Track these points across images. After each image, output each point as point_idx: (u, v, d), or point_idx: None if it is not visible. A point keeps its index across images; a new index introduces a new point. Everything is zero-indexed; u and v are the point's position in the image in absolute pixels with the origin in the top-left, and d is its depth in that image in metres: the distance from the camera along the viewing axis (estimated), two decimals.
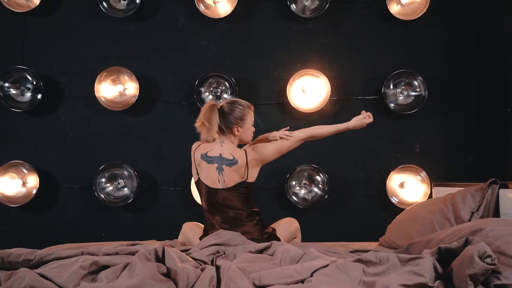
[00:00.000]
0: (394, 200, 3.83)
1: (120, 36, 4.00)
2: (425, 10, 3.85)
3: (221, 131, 2.80)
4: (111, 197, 3.87)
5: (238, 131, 2.79)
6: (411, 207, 2.84)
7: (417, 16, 3.88)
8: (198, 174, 2.82)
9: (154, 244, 2.82)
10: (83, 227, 3.95)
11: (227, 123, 2.77)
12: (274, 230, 2.82)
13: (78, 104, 3.99)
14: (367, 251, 2.40)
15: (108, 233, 3.96)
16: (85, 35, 3.98)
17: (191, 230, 2.98)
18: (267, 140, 2.90)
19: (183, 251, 2.33)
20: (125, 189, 3.89)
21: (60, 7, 3.98)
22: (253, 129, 2.89)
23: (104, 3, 3.89)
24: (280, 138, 2.87)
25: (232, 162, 2.71)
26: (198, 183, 2.84)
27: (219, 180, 2.72)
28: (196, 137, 3.98)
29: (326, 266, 1.76)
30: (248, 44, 4.05)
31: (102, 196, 3.84)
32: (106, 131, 3.98)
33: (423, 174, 3.79)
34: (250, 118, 2.83)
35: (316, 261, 1.80)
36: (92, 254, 1.85)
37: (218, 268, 1.86)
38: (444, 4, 4.03)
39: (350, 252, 2.36)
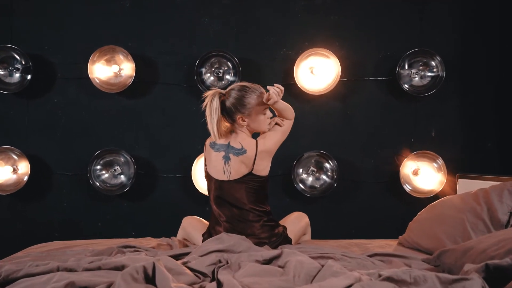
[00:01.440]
0: (407, 188, 3.46)
1: (115, 12, 3.58)
2: None
3: (228, 122, 2.45)
4: (107, 185, 3.50)
5: (244, 121, 2.39)
6: (436, 203, 2.46)
7: None
8: (206, 165, 2.47)
9: (150, 242, 2.47)
10: (79, 216, 3.59)
11: (229, 113, 2.39)
12: (285, 229, 2.46)
13: (71, 86, 3.59)
14: (388, 254, 2.04)
15: (105, 223, 3.61)
16: (77, 12, 3.56)
17: (191, 225, 2.62)
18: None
19: (180, 255, 1.98)
20: (122, 176, 3.52)
21: None
22: (268, 115, 2.46)
23: None
24: (276, 123, 2.49)
25: (239, 152, 2.33)
26: (207, 176, 2.49)
27: (224, 171, 2.36)
28: (197, 120, 3.62)
29: (350, 286, 1.40)
30: (252, 22, 3.63)
31: (98, 184, 3.47)
32: (101, 114, 3.60)
33: (440, 161, 3.40)
34: (259, 106, 2.39)
35: (336, 280, 1.44)
36: (70, 270, 1.49)
37: (220, 285, 1.50)
38: None
39: (369, 256, 2.00)
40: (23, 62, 3.46)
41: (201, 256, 1.81)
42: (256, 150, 2.36)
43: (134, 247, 2.08)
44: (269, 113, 2.47)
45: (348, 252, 2.01)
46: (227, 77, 3.52)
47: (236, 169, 2.36)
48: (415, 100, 3.60)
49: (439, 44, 3.57)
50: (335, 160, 3.46)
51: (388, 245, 2.41)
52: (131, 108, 3.60)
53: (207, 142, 2.48)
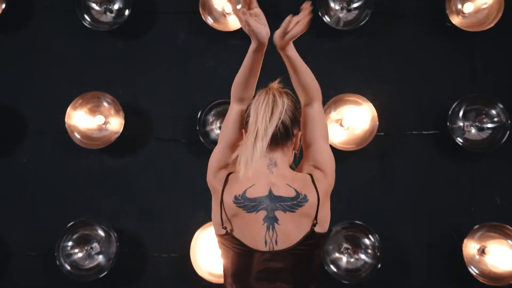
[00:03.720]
0: (473, 271, 2.55)
1: (104, 56, 2.91)
2: (497, 19, 2.76)
3: (272, 143, 1.44)
4: (80, 268, 2.62)
5: (298, 137, 1.50)
6: None
7: (488, 27, 2.79)
8: (230, 223, 1.42)
9: None
10: None
11: (293, 124, 1.45)
12: None
13: (45, 143, 2.84)
14: None
15: None
16: (59, 55, 2.88)
17: None
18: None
19: None
20: (100, 256, 2.64)
21: (29, 21, 2.90)
22: None
23: (85, 15, 2.84)
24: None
25: (297, 203, 1.38)
26: (226, 239, 1.45)
27: (266, 241, 1.39)
28: (199, 183, 2.82)
29: None
30: (267, 65, 2.91)
31: (67, 266, 2.59)
32: (79, 177, 2.80)
33: None
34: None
35: None
36: None
37: None
38: None
39: None
40: None
41: None
42: (316, 190, 1.42)
43: None
44: None
45: None
46: None
47: (287, 234, 1.39)
48: (472, 159, 2.80)
49: (496, 90, 2.84)
50: (376, 234, 2.60)
51: None
52: (117, 168, 2.82)
53: (226, 196, 1.43)
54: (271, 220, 1.38)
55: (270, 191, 1.41)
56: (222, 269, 1.51)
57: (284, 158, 1.48)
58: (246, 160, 1.35)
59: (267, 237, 1.38)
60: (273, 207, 1.39)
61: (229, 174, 1.46)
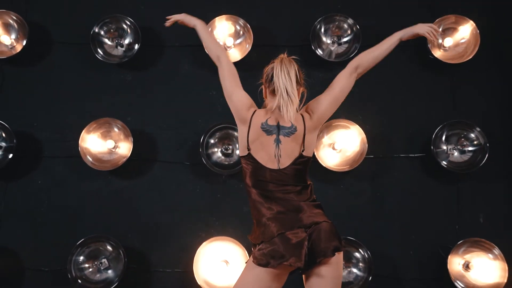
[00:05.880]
0: (459, 285, 2.72)
1: (114, 86, 3.15)
2: (474, 52, 3.03)
3: None
4: (89, 281, 2.78)
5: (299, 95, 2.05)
6: None
7: (466, 60, 3.05)
8: (251, 145, 1.98)
9: None
10: None
11: (297, 83, 2.00)
12: None
13: (58, 166, 3.05)
14: None
15: None
16: (73, 86, 3.14)
17: None
18: None
19: None
20: (109, 271, 2.81)
21: (46, 55, 3.17)
22: None
23: (98, 49, 3.10)
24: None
25: (290, 130, 1.96)
26: (247, 158, 1.99)
27: (275, 155, 1.97)
28: (201, 203, 3.01)
29: None
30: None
31: (79, 280, 2.76)
32: (90, 197, 3.00)
33: (496, 251, 2.71)
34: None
35: None
36: None
37: None
38: (498, 43, 3.16)
39: None
40: (7, 141, 2.94)
41: None
42: (304, 124, 1.97)
43: None
44: None
45: None
46: (238, 152, 2.98)
47: (287, 152, 1.96)
48: (457, 180, 3.00)
49: (477, 116, 3.07)
50: (366, 248, 2.78)
51: None
52: (125, 189, 3.01)
53: (255, 120, 1.97)
54: (277, 141, 1.95)
55: (278, 122, 1.97)
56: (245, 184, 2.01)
57: None
58: (287, 107, 1.92)
59: (276, 152, 1.95)
60: (279, 132, 1.96)
61: (255, 110, 2.00)
